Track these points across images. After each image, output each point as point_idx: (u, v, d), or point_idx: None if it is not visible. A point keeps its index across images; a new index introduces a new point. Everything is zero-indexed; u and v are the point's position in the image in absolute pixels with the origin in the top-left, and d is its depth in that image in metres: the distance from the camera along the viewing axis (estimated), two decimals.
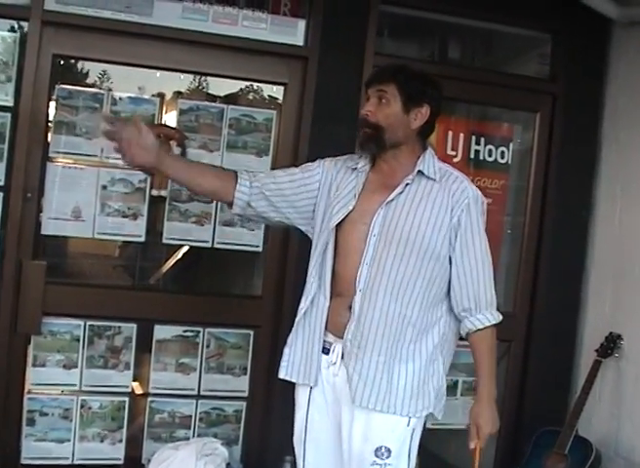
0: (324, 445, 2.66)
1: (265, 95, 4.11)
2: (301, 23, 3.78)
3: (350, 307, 2.53)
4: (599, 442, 3.97)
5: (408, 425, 2.55)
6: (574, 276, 4.31)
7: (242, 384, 3.90)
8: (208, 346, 3.84)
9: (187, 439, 3.78)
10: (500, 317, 2.60)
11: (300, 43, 3.78)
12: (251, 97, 4.14)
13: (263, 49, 3.72)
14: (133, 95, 3.70)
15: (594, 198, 4.32)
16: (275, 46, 3.73)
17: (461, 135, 4.12)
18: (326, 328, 2.61)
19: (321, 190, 2.68)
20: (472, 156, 4.19)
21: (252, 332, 3.88)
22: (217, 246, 3.80)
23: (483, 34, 4.38)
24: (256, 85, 4.09)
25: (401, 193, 2.53)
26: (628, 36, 4.11)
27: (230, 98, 4.05)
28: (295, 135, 3.80)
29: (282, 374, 2.71)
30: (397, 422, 2.54)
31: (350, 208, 2.56)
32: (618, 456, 3.97)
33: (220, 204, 3.63)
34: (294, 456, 3.42)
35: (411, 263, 2.49)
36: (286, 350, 2.72)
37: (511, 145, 4.31)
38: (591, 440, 3.92)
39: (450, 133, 4.11)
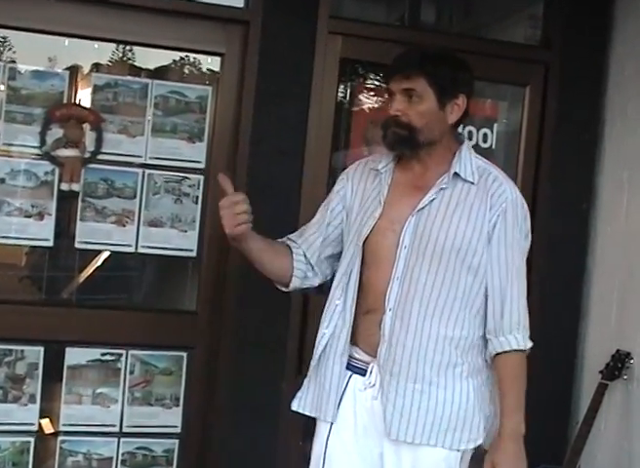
0: None
1: (203, 68, 3.92)
2: None
3: (380, 326, 2.56)
4: None
5: (458, 458, 2.58)
6: (572, 283, 4.21)
7: (174, 418, 3.74)
8: (132, 372, 3.68)
9: None
10: (529, 344, 2.58)
11: (240, 4, 3.66)
12: (187, 72, 3.95)
13: (195, 11, 3.56)
14: (40, 68, 3.48)
15: (596, 187, 4.21)
16: (210, 8, 3.57)
17: None
18: (358, 345, 2.62)
19: (347, 210, 2.73)
20: None
21: (185, 355, 3.73)
22: (141, 250, 3.66)
23: None
24: (193, 56, 3.88)
25: (434, 199, 2.54)
26: None
27: (160, 73, 3.85)
28: (235, 115, 3.66)
29: (294, 406, 2.73)
30: (447, 456, 2.55)
31: (377, 216, 2.58)
32: None
33: (143, 198, 3.57)
34: None
35: (448, 278, 2.50)
36: (305, 381, 2.75)
37: (496, 126, 4.24)
38: None
39: None
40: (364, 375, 2.59)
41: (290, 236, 2.83)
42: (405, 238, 2.52)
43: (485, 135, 4.13)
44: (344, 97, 4.09)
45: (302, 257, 2.75)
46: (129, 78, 3.62)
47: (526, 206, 2.63)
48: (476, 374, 2.55)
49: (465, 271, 2.50)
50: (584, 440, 3.72)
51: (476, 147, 3.99)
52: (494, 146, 4.16)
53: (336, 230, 2.74)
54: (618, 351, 3.85)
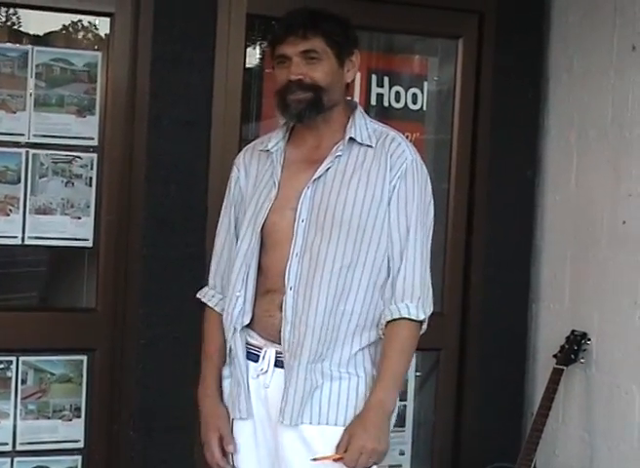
0: None
1: (91, 31, 4.02)
2: None
3: (281, 307, 2.66)
4: None
5: None
6: (519, 259, 4.34)
7: (75, 431, 3.81)
8: (24, 382, 3.73)
9: None
10: (422, 316, 2.62)
11: None
12: (73, 37, 4.02)
13: None
14: None
15: (542, 151, 4.35)
16: None
17: (358, 74, 4.00)
18: (254, 329, 2.72)
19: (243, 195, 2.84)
20: (374, 102, 4.29)
21: (85, 358, 3.81)
22: (29, 242, 3.73)
23: None
24: (79, 18, 3.92)
25: (330, 167, 2.66)
26: None
27: (45, 40, 3.93)
28: (129, 84, 3.73)
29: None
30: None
31: (272, 197, 2.69)
32: None
33: (28, 182, 3.67)
34: None
35: (349, 249, 2.60)
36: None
37: (426, 85, 4.36)
38: None
39: None
40: (256, 362, 2.71)
41: (213, 277, 2.92)
42: (302, 211, 2.63)
43: (414, 95, 4.25)
44: (254, 59, 4.23)
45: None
46: (7, 45, 3.69)
47: (426, 170, 2.74)
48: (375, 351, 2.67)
49: (367, 241, 2.60)
50: (540, 433, 3.84)
51: (405, 109, 4.26)
52: (424, 108, 4.29)
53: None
54: (573, 332, 3.97)
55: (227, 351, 2.79)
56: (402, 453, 4.29)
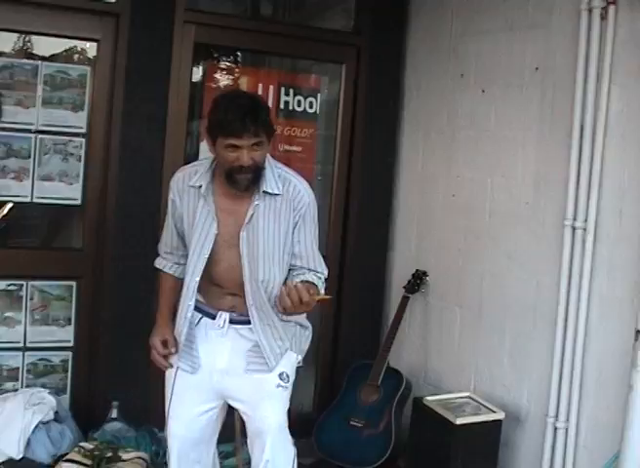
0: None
1: (84, 52, 4.56)
2: None
3: (232, 294, 3.27)
4: (409, 372, 4.84)
5: (297, 358, 3.44)
6: (382, 219, 5.11)
7: (67, 335, 4.54)
8: (32, 299, 4.43)
9: (16, 390, 4.34)
10: (325, 272, 3.39)
11: (112, 0, 4.34)
12: (76, 57, 4.55)
13: (76, 6, 4.28)
14: None
15: (399, 144, 5.13)
16: (87, 3, 4.30)
17: (271, 86, 4.87)
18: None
19: (179, 216, 3.32)
20: (282, 107, 4.92)
21: (74, 284, 4.52)
22: (36, 201, 4.38)
23: None
24: (80, 46, 4.53)
25: (254, 213, 3.16)
26: None
27: (50, 58, 4.48)
28: (109, 91, 4.40)
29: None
30: (291, 356, 3.39)
31: (215, 232, 3.20)
32: (426, 384, 4.88)
33: (36, 158, 4.35)
34: (119, 401, 4.29)
35: (268, 268, 3.22)
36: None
37: (319, 96, 5.03)
38: (402, 370, 4.78)
39: (260, 85, 4.87)
40: (214, 319, 3.33)
41: (165, 251, 3.44)
42: (243, 248, 3.19)
43: (311, 102, 4.94)
44: (199, 75, 4.72)
45: (176, 262, 3.43)
46: (23, 61, 4.29)
47: (315, 201, 3.29)
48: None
49: (280, 261, 3.25)
50: (392, 340, 4.70)
51: (304, 112, 4.95)
52: (318, 112, 4.98)
53: (180, 228, 3.35)
54: (416, 270, 4.86)
55: (186, 323, 3.32)
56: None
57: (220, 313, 3.30)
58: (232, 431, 3.78)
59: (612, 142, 3.88)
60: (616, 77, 3.85)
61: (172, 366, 3.36)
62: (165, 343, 3.33)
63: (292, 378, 3.39)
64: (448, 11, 4.84)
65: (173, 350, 3.34)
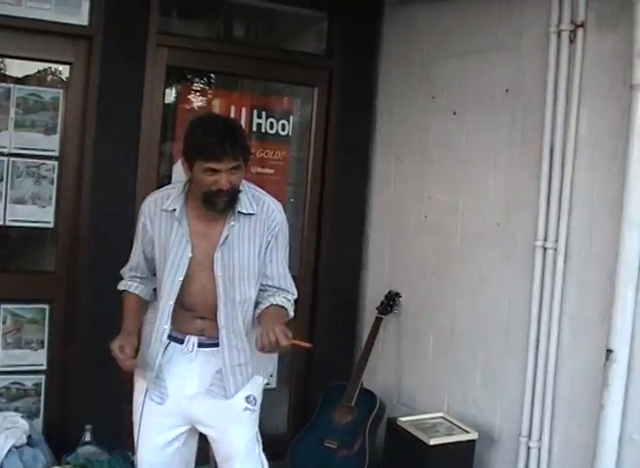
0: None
1: (56, 75, 4.56)
2: (85, 3, 4.33)
3: (201, 318, 3.28)
4: (383, 393, 4.85)
5: (263, 381, 3.45)
6: (355, 239, 5.13)
7: (40, 358, 4.51)
8: (4, 322, 4.41)
9: None
10: (295, 294, 3.41)
11: (85, 23, 4.34)
12: (49, 80, 4.57)
13: (49, 29, 4.27)
14: None
15: (371, 165, 5.16)
16: (60, 26, 4.29)
17: (244, 109, 4.90)
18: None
19: (150, 239, 3.33)
20: (255, 129, 4.94)
21: (47, 307, 4.51)
22: (9, 224, 4.38)
23: (265, 14, 5.16)
24: (54, 67, 4.53)
25: (228, 235, 3.19)
26: (398, 14, 5.02)
27: (23, 80, 4.49)
28: (81, 113, 4.40)
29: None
30: (258, 379, 3.40)
31: (189, 255, 3.22)
32: (400, 405, 4.91)
33: (9, 181, 4.33)
34: (92, 425, 4.23)
35: (245, 287, 3.25)
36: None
37: (292, 118, 5.07)
38: (376, 391, 4.79)
39: (233, 107, 4.91)
40: (182, 344, 3.31)
41: (130, 275, 3.41)
42: (218, 270, 3.21)
43: (283, 125, 4.97)
44: (172, 97, 4.77)
45: (140, 283, 3.41)
46: None
47: (286, 222, 3.34)
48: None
49: (254, 279, 3.28)
50: (366, 361, 4.71)
51: (277, 135, 4.96)
52: (290, 134, 5.00)
53: (150, 253, 3.36)
54: (390, 292, 4.86)
55: (163, 344, 3.30)
56: (271, 375, 4.75)
57: (188, 337, 3.32)
58: (207, 454, 3.74)
59: (581, 164, 3.94)
60: (585, 99, 3.92)
61: (136, 366, 3.29)
62: (122, 349, 3.19)
63: (259, 401, 3.42)
64: (420, 34, 4.89)
65: (129, 353, 3.19)
